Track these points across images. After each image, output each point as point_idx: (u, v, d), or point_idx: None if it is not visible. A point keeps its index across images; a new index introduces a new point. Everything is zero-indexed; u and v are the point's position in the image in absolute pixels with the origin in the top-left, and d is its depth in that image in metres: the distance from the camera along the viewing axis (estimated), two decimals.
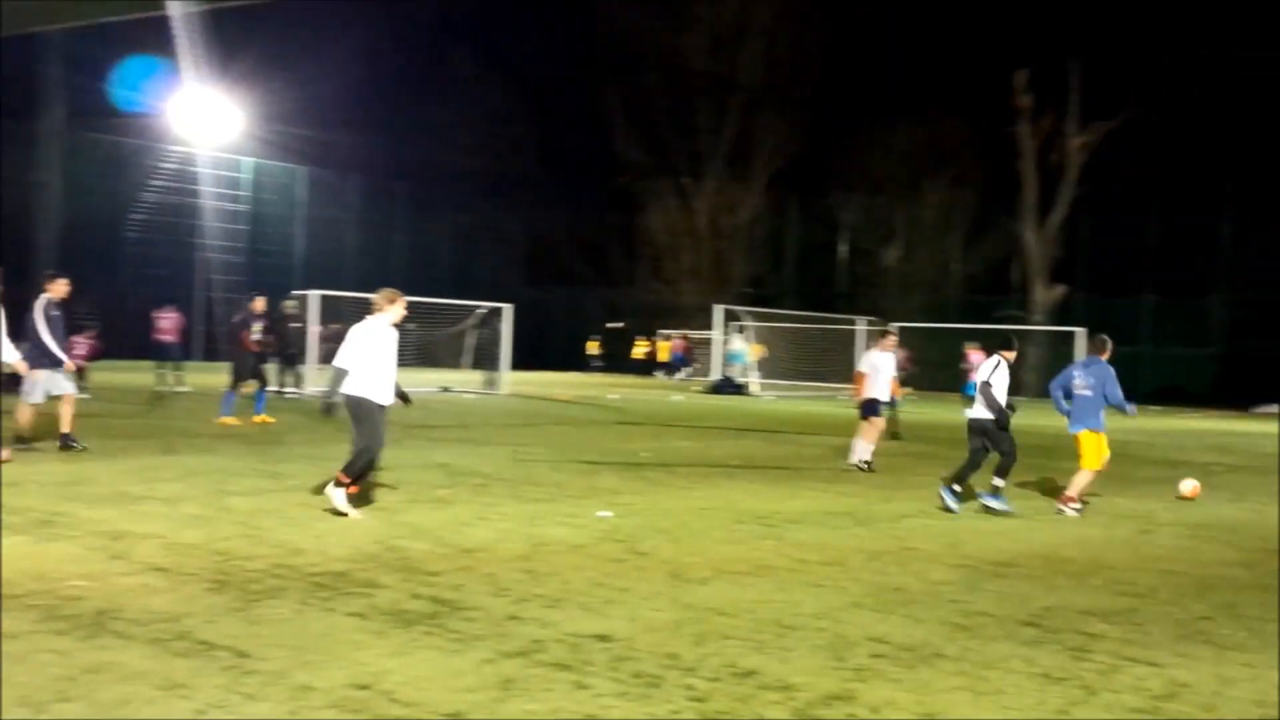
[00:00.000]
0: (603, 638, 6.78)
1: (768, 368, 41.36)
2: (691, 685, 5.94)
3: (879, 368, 16.34)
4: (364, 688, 5.72)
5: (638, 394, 35.70)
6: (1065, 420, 13.19)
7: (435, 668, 6.10)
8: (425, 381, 30.76)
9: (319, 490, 11.23)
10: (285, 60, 46.06)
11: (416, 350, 31.02)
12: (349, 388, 10.26)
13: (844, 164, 54.91)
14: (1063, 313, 49.82)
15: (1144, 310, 49.80)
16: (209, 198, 45.88)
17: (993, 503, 12.47)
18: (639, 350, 54.83)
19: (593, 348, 55.60)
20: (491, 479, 13.58)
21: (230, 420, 18.73)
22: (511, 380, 33.91)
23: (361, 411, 10.30)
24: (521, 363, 40.58)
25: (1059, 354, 47.82)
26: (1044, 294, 50.66)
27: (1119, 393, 12.64)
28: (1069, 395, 13.01)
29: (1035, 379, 49.39)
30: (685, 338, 53.08)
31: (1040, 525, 11.92)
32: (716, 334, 41.37)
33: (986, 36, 48.73)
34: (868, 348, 16.12)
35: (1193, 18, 45.93)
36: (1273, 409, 42.23)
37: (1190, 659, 6.89)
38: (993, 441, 12.68)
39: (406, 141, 52.85)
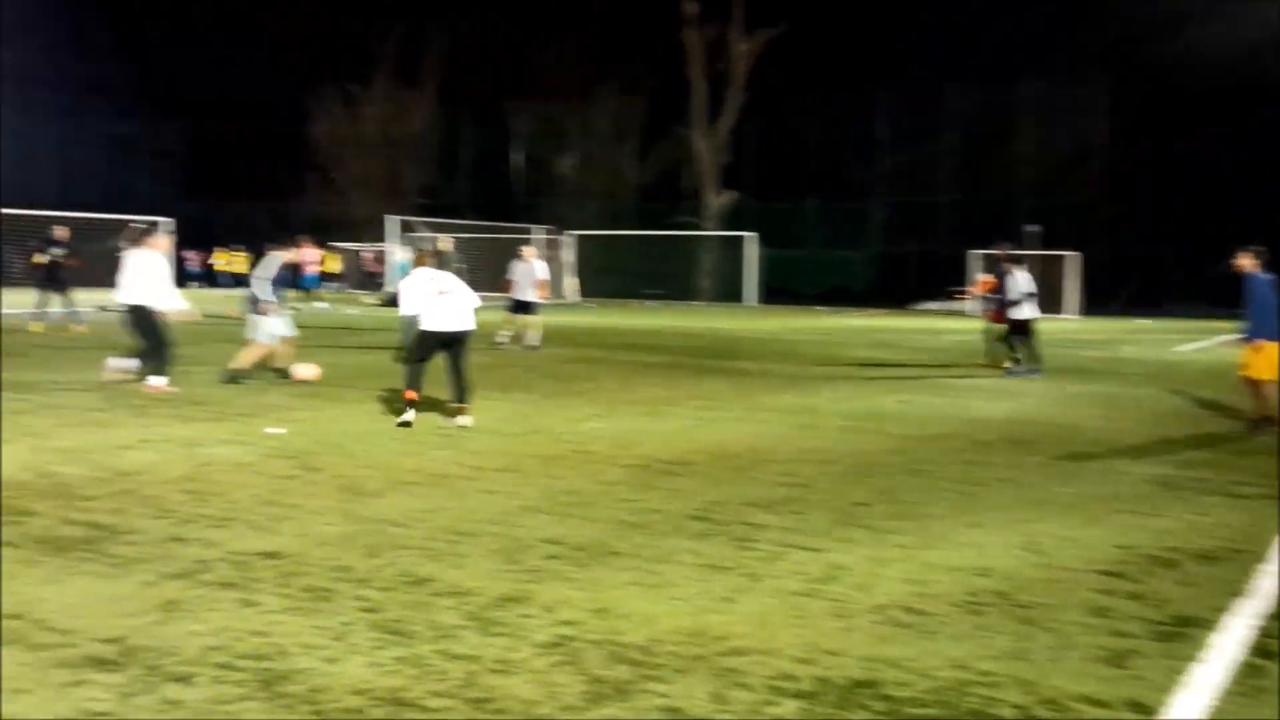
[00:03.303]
0: (271, 555, 6.57)
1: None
2: (364, 596, 5.86)
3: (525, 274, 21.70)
4: (15, 617, 5.41)
5: (307, 308, 34.64)
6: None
7: (92, 594, 5.81)
8: (82, 303, 28.69)
9: None
10: None
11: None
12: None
13: (515, 71, 54.48)
14: (733, 218, 51.43)
15: (808, 214, 52.01)
16: None
17: None
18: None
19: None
20: (152, 400, 12.82)
21: None
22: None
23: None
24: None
25: (728, 258, 49.55)
26: (715, 200, 52.06)
27: None
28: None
29: (711, 284, 51.04)
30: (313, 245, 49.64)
31: (708, 425, 12.26)
32: (391, 246, 40.51)
33: None
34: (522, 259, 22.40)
35: None
36: (931, 305, 45.23)
37: (848, 543, 7.23)
38: None
39: (49, 51, 48.93)
